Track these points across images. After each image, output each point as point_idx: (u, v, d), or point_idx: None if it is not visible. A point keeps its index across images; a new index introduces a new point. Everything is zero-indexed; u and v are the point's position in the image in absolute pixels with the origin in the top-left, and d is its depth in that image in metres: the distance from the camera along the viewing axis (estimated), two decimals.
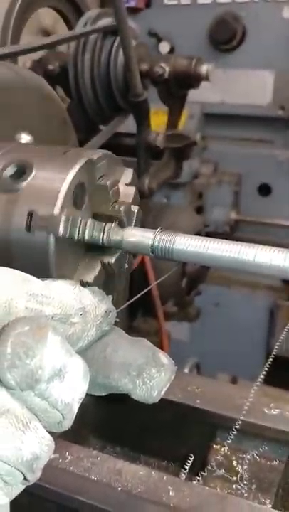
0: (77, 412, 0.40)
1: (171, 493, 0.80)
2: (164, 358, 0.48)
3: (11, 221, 0.62)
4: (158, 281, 1.34)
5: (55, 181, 0.64)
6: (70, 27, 1.59)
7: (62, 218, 0.60)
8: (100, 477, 0.83)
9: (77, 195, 0.64)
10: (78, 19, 1.46)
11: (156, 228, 1.46)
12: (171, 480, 0.84)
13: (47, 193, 0.63)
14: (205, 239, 0.67)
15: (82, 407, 0.42)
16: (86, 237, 0.63)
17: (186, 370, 2.43)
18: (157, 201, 1.53)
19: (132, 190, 0.73)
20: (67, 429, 0.41)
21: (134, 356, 0.47)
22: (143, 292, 0.82)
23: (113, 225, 0.67)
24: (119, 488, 0.80)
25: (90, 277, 0.70)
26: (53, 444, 0.39)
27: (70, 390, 0.39)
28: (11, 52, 1.12)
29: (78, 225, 0.63)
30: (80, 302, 0.44)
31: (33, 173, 0.64)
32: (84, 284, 0.69)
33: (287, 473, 0.96)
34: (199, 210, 2.68)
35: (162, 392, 0.47)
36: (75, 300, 0.44)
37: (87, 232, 0.64)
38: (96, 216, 0.70)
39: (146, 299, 1.44)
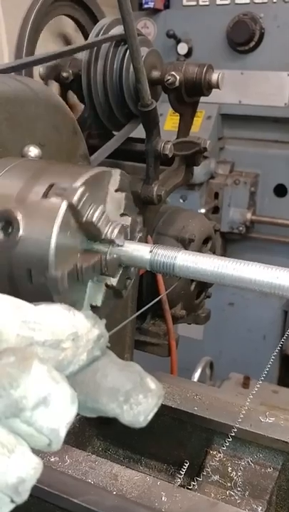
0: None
1: (163, 499, 0.83)
2: (151, 383, 0.49)
3: (31, 190, 0.65)
4: (166, 292, 1.37)
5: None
6: (86, 35, 1.62)
7: (81, 189, 0.62)
8: (97, 481, 0.87)
9: None
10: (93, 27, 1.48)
11: (166, 233, 1.48)
12: (164, 486, 0.86)
13: (71, 173, 0.66)
14: (208, 256, 0.68)
15: None
16: (94, 219, 0.64)
17: (200, 369, 2.45)
18: (168, 205, 1.55)
19: (122, 196, 0.73)
20: (56, 450, 0.43)
21: (123, 382, 0.48)
22: (150, 304, 0.84)
23: (117, 228, 0.68)
24: (114, 492, 0.84)
25: (98, 301, 0.72)
26: (40, 466, 0.40)
27: (56, 416, 0.40)
28: (21, 63, 1.16)
29: (90, 205, 0.64)
30: (73, 327, 0.45)
31: None
32: (94, 310, 0.70)
33: (280, 481, 0.99)
34: (215, 210, 2.70)
35: (149, 417, 0.48)
36: (68, 325, 0.45)
37: (95, 215, 0.64)
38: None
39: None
